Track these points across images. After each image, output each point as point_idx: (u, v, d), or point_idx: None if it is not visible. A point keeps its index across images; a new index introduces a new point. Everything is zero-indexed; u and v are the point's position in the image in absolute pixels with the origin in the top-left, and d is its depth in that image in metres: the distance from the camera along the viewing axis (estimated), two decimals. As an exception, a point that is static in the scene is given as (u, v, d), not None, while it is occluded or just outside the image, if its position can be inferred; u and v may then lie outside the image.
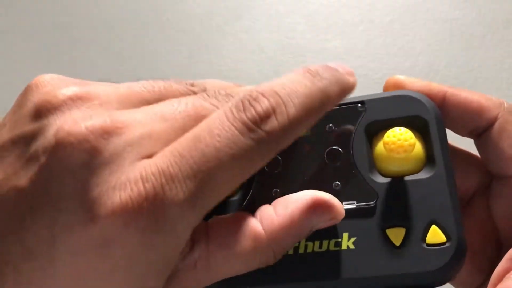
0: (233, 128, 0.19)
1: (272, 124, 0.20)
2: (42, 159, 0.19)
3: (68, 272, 0.19)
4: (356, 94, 0.27)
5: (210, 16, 0.76)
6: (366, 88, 0.75)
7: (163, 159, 0.19)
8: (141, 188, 0.18)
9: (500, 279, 0.22)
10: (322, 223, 0.22)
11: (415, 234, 0.23)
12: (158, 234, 0.19)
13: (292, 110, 0.20)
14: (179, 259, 0.20)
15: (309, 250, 0.24)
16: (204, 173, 0.19)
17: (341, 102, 0.26)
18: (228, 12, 0.76)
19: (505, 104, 0.25)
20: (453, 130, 0.26)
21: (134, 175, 0.19)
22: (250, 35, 0.73)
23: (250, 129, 0.19)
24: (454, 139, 0.27)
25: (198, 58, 0.72)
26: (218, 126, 0.20)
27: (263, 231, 0.21)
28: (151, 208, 0.18)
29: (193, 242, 0.21)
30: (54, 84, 0.21)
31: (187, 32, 0.75)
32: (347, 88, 0.23)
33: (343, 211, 0.23)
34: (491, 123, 0.25)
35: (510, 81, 0.66)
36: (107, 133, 0.19)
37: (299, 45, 0.72)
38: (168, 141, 0.20)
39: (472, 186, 0.27)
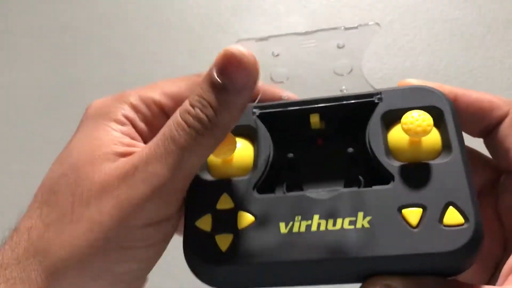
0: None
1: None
2: None
3: None
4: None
5: (210, 16, 0.76)
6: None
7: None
8: None
9: None
10: None
11: (432, 215, 0.23)
12: None
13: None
14: None
15: (322, 228, 0.24)
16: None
17: (358, 93, 0.27)
18: (228, 12, 0.76)
19: None
20: (464, 130, 0.26)
21: None
22: (250, 35, 0.73)
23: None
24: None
25: (198, 58, 0.72)
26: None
27: None
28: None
29: None
30: None
31: (187, 32, 0.75)
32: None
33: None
34: (501, 120, 0.26)
35: (510, 81, 0.66)
36: None
37: (299, 45, 0.72)
38: None
39: (478, 184, 0.27)
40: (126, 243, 0.24)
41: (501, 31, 0.70)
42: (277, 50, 0.26)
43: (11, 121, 0.67)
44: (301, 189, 0.27)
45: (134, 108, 0.28)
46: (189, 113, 0.24)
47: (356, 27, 0.25)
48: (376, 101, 0.27)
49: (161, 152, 0.24)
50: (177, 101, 0.28)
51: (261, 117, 0.28)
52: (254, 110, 0.28)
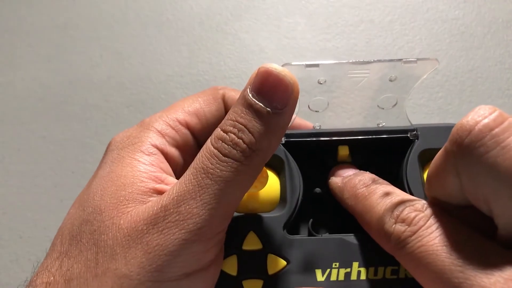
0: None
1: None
2: None
3: None
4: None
5: (210, 16, 0.76)
6: (366, 88, 0.73)
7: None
8: None
9: None
10: None
11: None
12: None
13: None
14: None
15: (363, 277, 0.22)
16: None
17: (392, 128, 0.26)
18: (228, 12, 0.76)
19: None
20: None
21: None
22: (250, 35, 0.73)
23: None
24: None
25: (198, 58, 0.72)
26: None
27: None
28: None
29: None
30: None
31: (187, 32, 0.75)
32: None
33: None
34: None
35: (510, 81, 0.66)
36: None
37: (299, 45, 0.71)
38: None
39: None
40: None
41: (501, 31, 0.70)
42: (324, 77, 0.24)
43: (11, 121, 0.67)
44: (329, 227, 0.25)
45: (161, 133, 0.25)
46: (222, 140, 0.21)
47: (415, 61, 0.24)
48: (411, 138, 0.25)
49: (193, 188, 0.20)
50: (200, 117, 0.26)
51: (286, 145, 0.26)
52: None
